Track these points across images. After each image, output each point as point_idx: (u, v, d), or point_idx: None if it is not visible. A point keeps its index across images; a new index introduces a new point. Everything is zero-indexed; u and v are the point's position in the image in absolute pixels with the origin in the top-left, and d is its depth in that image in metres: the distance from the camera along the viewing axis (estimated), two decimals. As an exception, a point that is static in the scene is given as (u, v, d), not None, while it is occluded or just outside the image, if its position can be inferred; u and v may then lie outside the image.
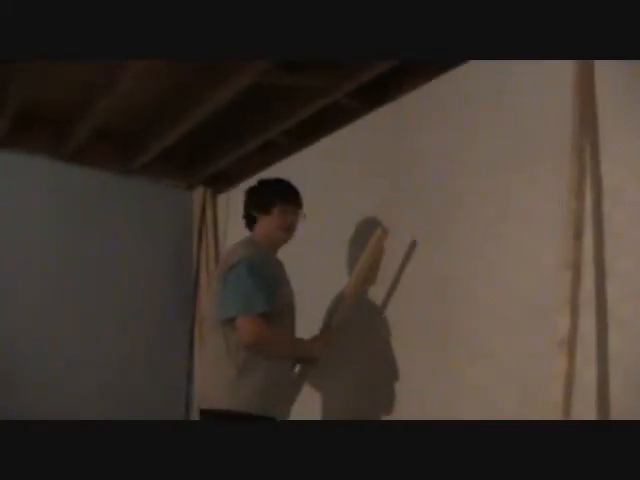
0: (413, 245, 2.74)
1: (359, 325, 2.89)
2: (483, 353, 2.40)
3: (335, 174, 3.19)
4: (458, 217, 2.56)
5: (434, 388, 2.56)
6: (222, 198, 4.06)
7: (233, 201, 3.88)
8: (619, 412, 2.03)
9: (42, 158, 3.69)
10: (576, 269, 2.11)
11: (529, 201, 2.33)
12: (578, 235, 2.12)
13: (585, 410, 2.07)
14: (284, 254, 2.78)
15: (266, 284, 2.49)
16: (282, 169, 3.41)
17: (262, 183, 2.82)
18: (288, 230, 2.72)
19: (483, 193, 2.48)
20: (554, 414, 2.02)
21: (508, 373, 2.31)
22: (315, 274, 3.09)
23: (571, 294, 2.09)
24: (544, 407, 2.07)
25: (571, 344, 2.08)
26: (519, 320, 2.31)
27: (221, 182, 4.02)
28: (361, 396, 2.88)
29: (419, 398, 2.61)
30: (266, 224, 2.70)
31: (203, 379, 2.67)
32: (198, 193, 4.08)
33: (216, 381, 2.49)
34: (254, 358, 2.45)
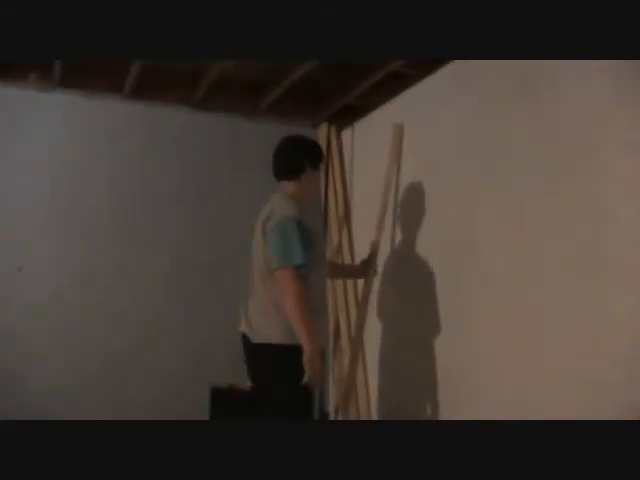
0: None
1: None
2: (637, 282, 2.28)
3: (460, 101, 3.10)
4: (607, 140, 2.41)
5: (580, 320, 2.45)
6: (346, 134, 4.06)
7: (358, 135, 3.90)
8: None
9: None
10: None
11: None
12: None
13: None
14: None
15: (306, 238, 2.79)
16: (407, 99, 3.40)
17: (314, 143, 3.15)
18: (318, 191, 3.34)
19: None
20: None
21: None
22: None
23: None
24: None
25: None
26: None
27: (345, 118, 4.01)
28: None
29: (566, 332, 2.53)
30: (306, 180, 2.99)
31: (254, 319, 2.91)
32: (322, 130, 4.09)
33: (267, 321, 2.85)
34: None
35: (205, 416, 3.59)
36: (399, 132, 3.47)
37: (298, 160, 2.98)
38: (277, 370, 2.83)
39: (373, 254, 3.39)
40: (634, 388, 2.21)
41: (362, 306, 3.47)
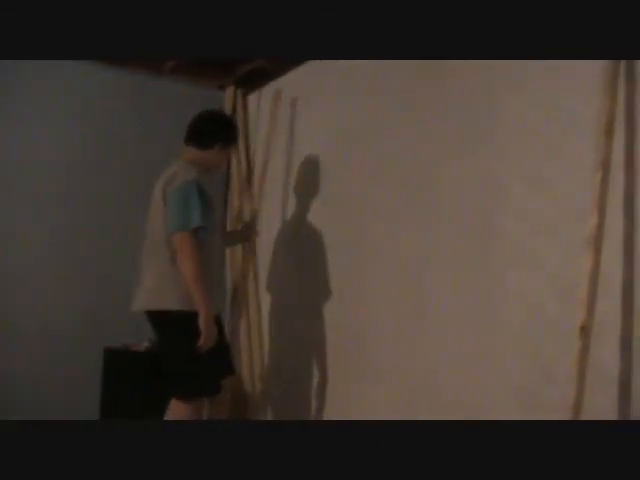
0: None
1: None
2: (525, 255, 2.38)
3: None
4: (503, 121, 2.50)
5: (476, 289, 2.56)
6: (253, 98, 4.04)
7: (265, 100, 3.89)
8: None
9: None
10: (606, 168, 2.07)
11: (570, 103, 2.27)
12: (609, 133, 2.07)
13: (609, 309, 2.08)
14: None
15: (205, 203, 2.81)
16: (317, 66, 3.41)
17: (232, 124, 3.19)
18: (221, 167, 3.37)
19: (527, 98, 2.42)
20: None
21: (549, 275, 2.30)
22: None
23: (600, 194, 2.06)
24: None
25: (598, 243, 2.06)
26: (559, 222, 2.28)
27: (255, 81, 3.98)
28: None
29: (463, 300, 2.61)
30: (212, 155, 3.02)
31: (153, 286, 2.88)
32: (229, 93, 4.06)
33: (165, 286, 2.82)
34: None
35: (98, 376, 3.56)
36: (277, 99, 3.60)
37: (211, 134, 3.01)
38: (178, 337, 2.83)
39: (252, 217, 3.55)
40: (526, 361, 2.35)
41: (245, 268, 3.63)
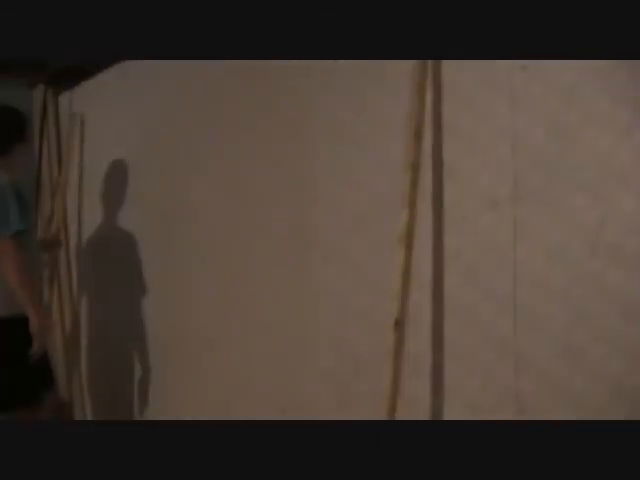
0: None
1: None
2: (335, 250, 2.43)
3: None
4: (312, 120, 2.52)
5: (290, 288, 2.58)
6: (65, 98, 3.87)
7: (77, 100, 3.75)
8: (452, 304, 2.12)
9: None
10: (415, 168, 2.13)
11: (379, 103, 2.33)
12: (418, 135, 2.14)
13: (422, 300, 2.16)
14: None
15: (23, 205, 2.74)
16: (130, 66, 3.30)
17: (19, 114, 3.00)
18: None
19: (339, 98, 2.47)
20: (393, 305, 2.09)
21: (358, 269, 2.36)
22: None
23: (410, 193, 2.13)
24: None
25: (409, 240, 2.13)
26: (369, 217, 2.35)
27: (65, 80, 3.81)
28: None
29: (276, 300, 2.63)
30: (17, 154, 2.90)
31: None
32: (38, 92, 3.89)
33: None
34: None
35: None
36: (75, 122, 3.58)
37: (4, 137, 2.88)
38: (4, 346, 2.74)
39: (57, 228, 3.54)
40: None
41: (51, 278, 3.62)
